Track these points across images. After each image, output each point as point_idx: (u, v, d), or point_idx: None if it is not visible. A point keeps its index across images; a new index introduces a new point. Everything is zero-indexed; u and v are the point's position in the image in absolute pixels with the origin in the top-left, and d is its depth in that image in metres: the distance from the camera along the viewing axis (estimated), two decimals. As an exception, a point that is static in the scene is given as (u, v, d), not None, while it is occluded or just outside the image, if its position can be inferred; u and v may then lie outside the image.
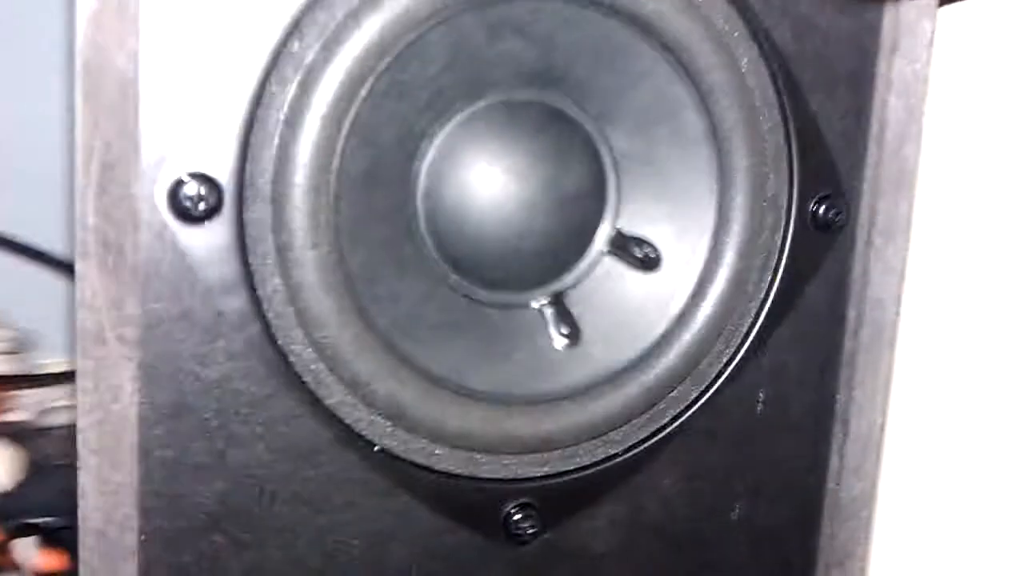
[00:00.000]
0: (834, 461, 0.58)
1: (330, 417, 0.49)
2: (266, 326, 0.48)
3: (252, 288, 0.47)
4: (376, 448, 0.50)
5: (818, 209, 0.55)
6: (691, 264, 0.54)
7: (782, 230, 0.54)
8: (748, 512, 0.57)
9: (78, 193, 0.44)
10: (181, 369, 0.47)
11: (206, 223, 0.46)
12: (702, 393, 0.55)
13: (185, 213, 0.46)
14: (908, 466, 0.65)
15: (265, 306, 0.48)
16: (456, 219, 0.52)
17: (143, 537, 0.47)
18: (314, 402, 0.49)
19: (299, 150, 0.46)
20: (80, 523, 0.46)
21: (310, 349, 0.48)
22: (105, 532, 0.46)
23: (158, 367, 0.46)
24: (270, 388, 0.48)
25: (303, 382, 0.49)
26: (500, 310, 0.53)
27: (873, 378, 0.57)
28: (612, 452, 0.54)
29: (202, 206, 0.46)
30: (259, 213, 0.47)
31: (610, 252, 0.54)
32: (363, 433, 0.50)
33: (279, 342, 0.48)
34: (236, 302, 0.47)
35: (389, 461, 0.50)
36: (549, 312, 0.54)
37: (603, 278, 0.54)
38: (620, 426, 0.53)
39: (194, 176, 0.45)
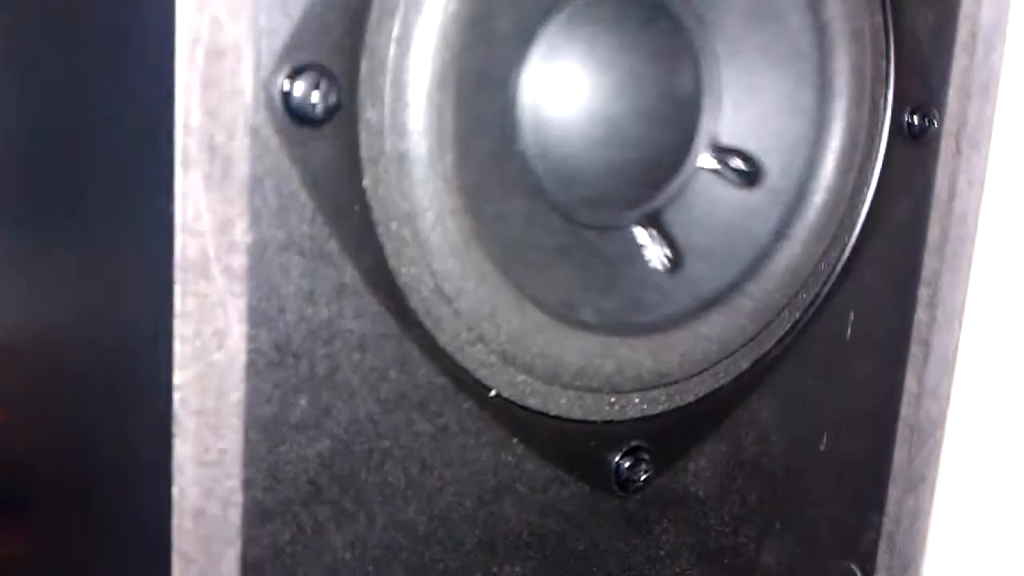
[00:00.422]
0: (911, 383, 0.56)
1: (446, 360, 0.42)
2: (380, 254, 0.40)
3: (366, 207, 0.39)
4: (493, 393, 0.43)
5: (912, 117, 0.52)
6: (790, 175, 0.49)
7: (880, 139, 0.51)
8: (833, 441, 0.54)
9: (179, 87, 0.34)
10: (285, 308, 0.38)
11: (320, 127, 0.38)
12: (802, 316, 0.51)
13: (298, 114, 0.37)
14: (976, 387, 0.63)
15: (379, 230, 0.40)
16: (554, 127, 0.45)
17: (245, 514, 0.38)
18: (429, 342, 0.42)
19: (423, 41, 0.39)
20: (176, 505, 0.37)
21: (428, 279, 0.41)
22: (205, 511, 0.37)
23: (263, 305, 0.38)
24: (382, 327, 0.40)
25: (419, 319, 0.41)
26: (600, 233, 0.47)
27: (953, 296, 0.55)
28: (718, 385, 0.49)
29: (319, 106, 0.37)
30: (377, 115, 0.39)
31: (709, 165, 0.49)
32: (480, 376, 0.43)
33: (394, 272, 0.40)
34: (348, 225, 0.39)
35: (503, 408, 0.44)
36: (648, 233, 0.48)
37: (701, 193, 0.49)
38: (734, 352, 0.48)
39: (309, 70, 0.37)
